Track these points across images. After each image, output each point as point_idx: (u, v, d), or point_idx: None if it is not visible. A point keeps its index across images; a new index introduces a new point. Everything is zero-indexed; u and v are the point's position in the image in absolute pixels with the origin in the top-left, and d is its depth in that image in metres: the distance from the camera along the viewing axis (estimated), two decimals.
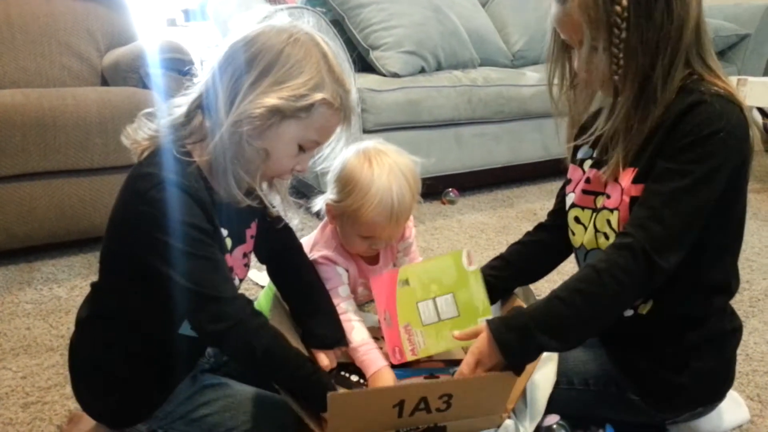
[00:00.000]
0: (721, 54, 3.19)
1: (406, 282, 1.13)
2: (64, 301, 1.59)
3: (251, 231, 1.01)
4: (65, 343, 1.36)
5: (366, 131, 2.19)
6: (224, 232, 0.91)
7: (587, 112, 0.96)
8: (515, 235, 2.11)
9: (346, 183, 1.09)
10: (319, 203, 1.15)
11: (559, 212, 1.11)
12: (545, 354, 1.00)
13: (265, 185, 0.97)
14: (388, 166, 1.08)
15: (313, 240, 1.23)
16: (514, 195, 2.57)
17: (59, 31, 2.17)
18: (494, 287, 1.12)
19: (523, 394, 0.99)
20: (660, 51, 0.84)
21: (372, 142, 1.14)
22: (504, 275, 1.14)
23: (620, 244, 0.85)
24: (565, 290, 0.86)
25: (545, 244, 1.14)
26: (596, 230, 0.98)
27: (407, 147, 1.14)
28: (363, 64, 2.34)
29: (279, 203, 1.03)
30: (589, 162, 1.02)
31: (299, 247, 1.14)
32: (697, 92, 0.85)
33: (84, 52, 2.19)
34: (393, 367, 1.10)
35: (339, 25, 2.34)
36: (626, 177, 0.91)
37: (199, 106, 0.87)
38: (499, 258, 1.18)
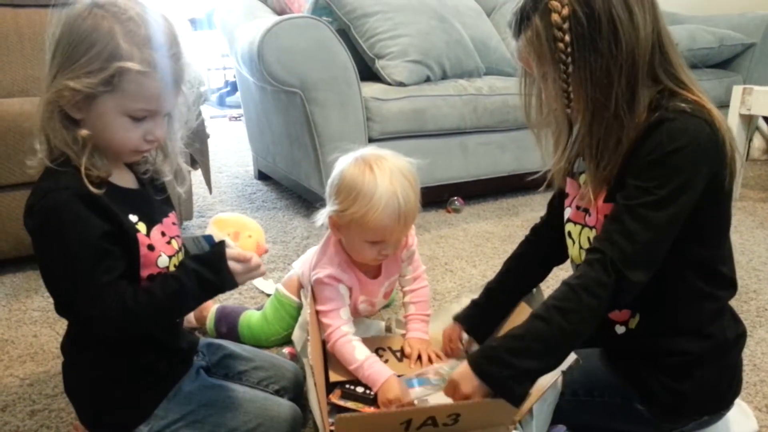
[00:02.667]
0: (727, 63, 3.20)
1: None
2: None
3: (171, 219, 1.01)
4: None
5: (371, 140, 2.20)
6: (133, 218, 0.91)
7: (569, 134, 0.97)
8: None
9: (350, 191, 1.09)
10: (321, 218, 1.15)
11: (546, 224, 1.16)
12: None
13: (160, 159, 0.98)
14: (389, 170, 1.09)
15: (315, 260, 1.23)
16: (519, 204, 2.57)
17: None
18: (502, 305, 1.17)
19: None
20: (614, 79, 0.85)
21: (368, 149, 1.15)
22: (504, 292, 1.18)
23: (592, 260, 0.87)
24: (545, 310, 0.88)
25: (535, 255, 1.18)
26: (580, 246, 1.00)
27: (413, 156, 1.15)
28: (368, 73, 2.35)
29: (169, 175, 1.02)
30: (583, 176, 1.02)
31: None
32: (662, 110, 0.86)
33: None
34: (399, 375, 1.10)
35: (345, 34, 2.36)
36: (600, 196, 0.93)
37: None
38: (496, 279, 1.21)
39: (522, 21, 0.89)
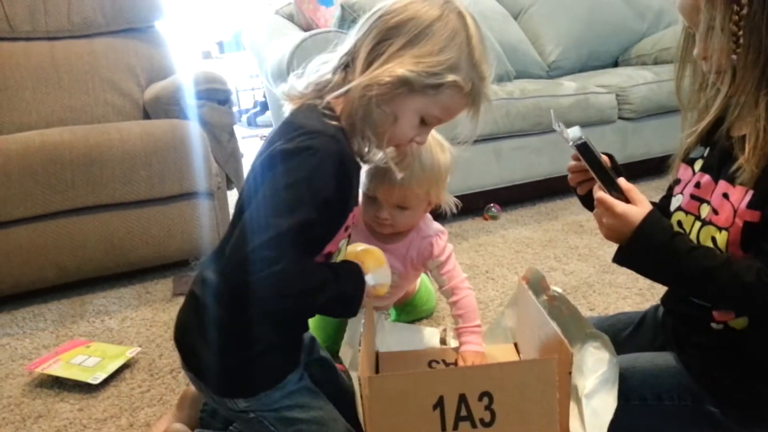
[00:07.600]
0: None
1: None
2: (116, 333, 1.61)
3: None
4: (120, 375, 1.38)
5: None
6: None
7: (729, 87, 0.89)
8: (562, 249, 2.06)
9: None
10: None
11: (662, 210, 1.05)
12: (605, 377, 0.96)
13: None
14: None
15: None
16: (557, 207, 2.51)
17: (101, 68, 2.24)
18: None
19: (582, 421, 0.94)
20: None
21: None
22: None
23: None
24: (726, 263, 0.83)
25: None
26: (698, 241, 0.92)
27: None
28: None
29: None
30: (700, 162, 0.96)
31: None
32: None
33: (126, 88, 2.25)
34: None
35: None
36: (738, 195, 0.86)
37: (344, 64, 0.90)
38: None
39: None
